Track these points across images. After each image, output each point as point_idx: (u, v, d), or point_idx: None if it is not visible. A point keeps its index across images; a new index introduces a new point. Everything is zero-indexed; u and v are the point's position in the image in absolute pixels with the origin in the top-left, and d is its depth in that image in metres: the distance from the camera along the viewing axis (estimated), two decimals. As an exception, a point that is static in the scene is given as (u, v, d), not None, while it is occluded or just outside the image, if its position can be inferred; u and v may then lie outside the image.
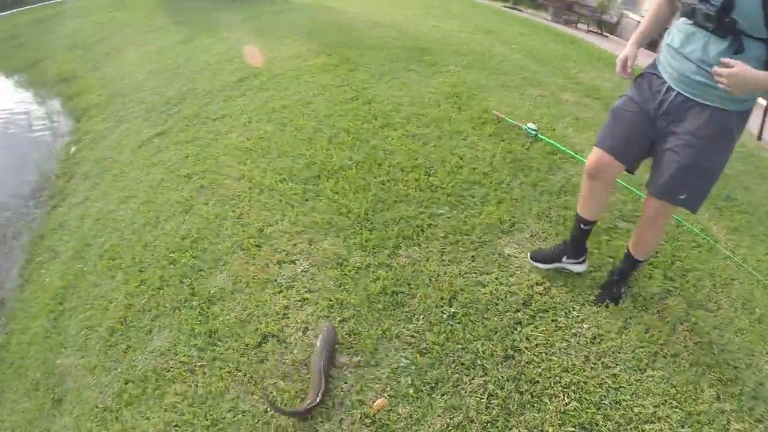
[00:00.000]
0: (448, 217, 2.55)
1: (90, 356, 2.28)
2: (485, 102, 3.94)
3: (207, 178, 3.20)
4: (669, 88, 1.48)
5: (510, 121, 3.55)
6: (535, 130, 3.36)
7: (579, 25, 11.05)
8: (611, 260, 2.26)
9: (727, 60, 1.25)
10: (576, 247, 1.97)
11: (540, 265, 2.08)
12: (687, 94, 1.44)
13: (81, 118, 5.25)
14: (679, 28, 1.43)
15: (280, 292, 2.24)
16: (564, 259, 2.02)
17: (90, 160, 4.18)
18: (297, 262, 2.38)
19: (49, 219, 3.64)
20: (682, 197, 1.50)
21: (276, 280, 2.30)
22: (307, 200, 2.82)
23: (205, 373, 1.96)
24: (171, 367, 2.03)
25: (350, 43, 5.84)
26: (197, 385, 1.92)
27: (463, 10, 9.81)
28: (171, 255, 2.61)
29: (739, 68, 1.22)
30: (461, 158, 3.06)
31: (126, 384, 2.05)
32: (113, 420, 1.94)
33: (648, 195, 1.61)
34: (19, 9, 19.64)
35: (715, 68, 1.27)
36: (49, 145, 5.01)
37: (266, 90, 4.48)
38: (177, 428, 1.80)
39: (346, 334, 1.98)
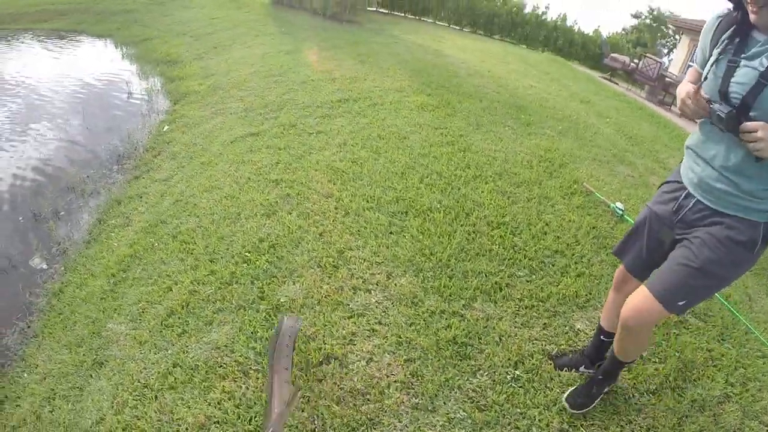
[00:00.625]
0: (527, 281, 2.77)
1: (142, 330, 2.59)
2: (576, 172, 4.29)
3: (295, 189, 3.58)
4: (688, 194, 1.54)
5: (598, 196, 3.88)
6: (622, 210, 3.68)
7: (673, 108, 11.13)
8: (677, 354, 2.42)
9: (752, 124, 1.25)
10: (594, 356, 2.10)
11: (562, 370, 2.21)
12: (707, 202, 1.48)
13: (179, 101, 6.04)
14: (701, 128, 1.50)
15: (351, 317, 2.45)
16: (582, 368, 2.15)
17: (180, 142, 4.77)
18: (372, 292, 2.61)
19: (129, 187, 4.23)
20: (680, 304, 1.50)
21: (348, 304, 2.52)
22: (391, 233, 3.08)
23: (258, 379, 2.16)
24: (224, 364, 2.26)
25: (451, 87, 6.39)
26: (247, 388, 2.12)
27: (560, 73, 10.41)
28: (246, 254, 2.92)
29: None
30: (547, 224, 3.33)
31: (174, 367, 2.30)
32: (152, 398, 2.18)
33: (645, 288, 1.58)
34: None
35: (745, 124, 1.26)
36: (142, 118, 5.81)
37: (364, 116, 4.99)
38: (217, 425, 1.99)
39: (409, 374, 2.13)
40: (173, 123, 5.40)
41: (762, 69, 1.25)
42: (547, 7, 15.72)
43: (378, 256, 2.85)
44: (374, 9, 15.84)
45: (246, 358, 2.26)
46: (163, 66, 7.90)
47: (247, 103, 5.59)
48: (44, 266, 3.54)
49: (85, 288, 3.07)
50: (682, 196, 1.55)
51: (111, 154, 5.02)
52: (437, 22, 16.03)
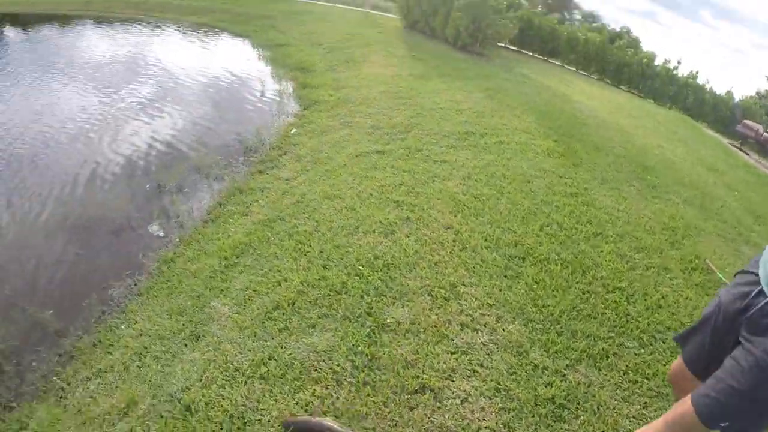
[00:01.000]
0: (635, 353, 2.76)
1: (245, 316, 2.83)
2: (699, 246, 4.25)
3: (416, 213, 3.80)
4: (760, 292, 1.38)
5: (720, 276, 3.77)
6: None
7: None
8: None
9: None
10: None
11: None
12: None
13: (308, 107, 6.65)
14: None
15: (454, 353, 2.54)
16: None
17: (307, 147, 5.23)
18: (479, 332, 2.69)
19: (252, 179, 4.72)
20: (723, 425, 1.34)
21: (453, 339, 2.62)
22: (506, 276, 3.18)
23: (350, 391, 2.30)
24: (320, 369, 2.42)
25: (578, 136, 6.46)
26: (338, 398, 2.26)
27: (688, 135, 10.09)
28: (360, 267, 3.12)
29: None
30: (663, 297, 3.30)
31: (269, 359, 2.50)
32: (242, 383, 2.38)
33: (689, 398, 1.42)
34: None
35: None
36: (272, 117, 6.53)
37: (490, 152, 5.19)
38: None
39: (502, 423, 2.17)
40: (301, 127, 5.94)
41: None
42: (678, 62, 15.10)
43: (490, 297, 2.94)
44: (504, 45, 16.34)
45: (343, 368, 2.41)
46: (296, 72, 8.70)
47: (375, 121, 6.01)
48: (161, 234, 4.03)
49: (196, 263, 3.44)
50: (753, 293, 1.40)
51: (239, 145, 5.65)
52: (565, 66, 16.13)
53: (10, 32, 20.75)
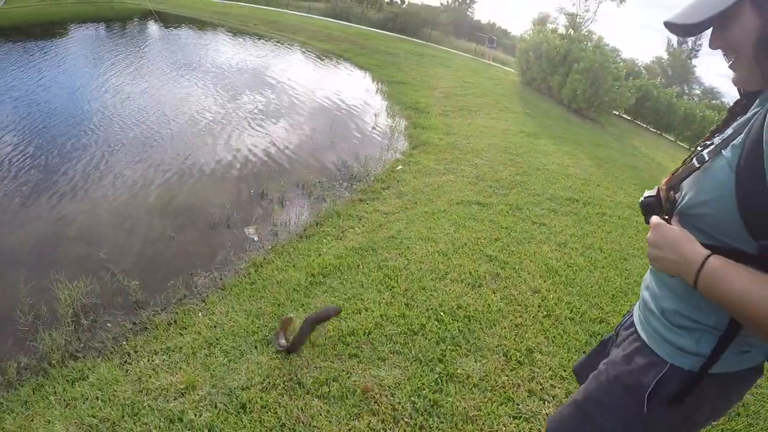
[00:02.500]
0: None
1: (315, 331, 2.91)
2: None
3: (506, 271, 3.84)
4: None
5: None
6: None
7: None
8: None
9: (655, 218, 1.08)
10: None
11: None
12: (635, 319, 1.28)
13: (417, 147, 6.92)
14: None
15: (516, 418, 2.50)
16: None
17: (410, 184, 5.42)
18: (546, 402, 2.61)
19: (351, 206, 4.95)
20: None
21: (519, 405, 2.57)
22: (584, 353, 2.99)
23: (406, 431, 2.30)
24: (380, 402, 2.46)
25: None
26: None
27: None
28: (441, 314, 3.19)
29: (664, 227, 1.03)
30: (743, 406, 3.02)
31: (333, 381, 2.58)
32: (300, 396, 2.47)
33: None
34: (405, 37, 26.80)
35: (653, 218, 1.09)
36: (381, 150, 6.90)
37: (590, 223, 5.17)
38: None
39: None
40: (407, 165, 6.19)
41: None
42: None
43: (564, 370, 2.86)
44: (618, 113, 16.17)
45: (403, 407, 2.43)
46: (410, 111, 9.12)
47: (480, 172, 6.17)
48: (255, 238, 4.32)
49: (283, 273, 3.64)
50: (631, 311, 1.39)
51: (345, 171, 6.01)
52: (678, 142, 15.54)
53: (153, 27, 23.60)
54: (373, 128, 8.05)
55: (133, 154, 6.04)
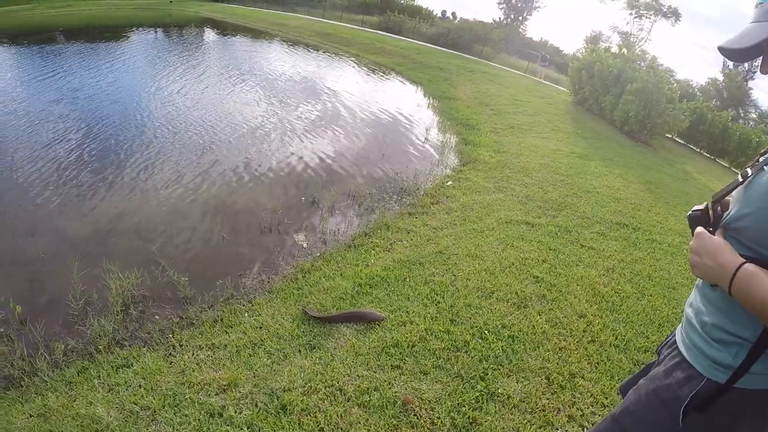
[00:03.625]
0: None
1: (363, 343, 2.99)
2: None
3: (552, 293, 3.80)
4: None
5: None
6: None
7: None
8: None
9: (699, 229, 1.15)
10: None
11: None
12: (677, 337, 1.31)
13: (467, 164, 6.96)
14: None
15: None
16: None
17: (459, 200, 5.45)
18: (586, 429, 2.58)
19: (400, 219, 4.99)
20: None
21: (558, 429, 2.54)
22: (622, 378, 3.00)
23: None
24: (420, 415, 2.48)
25: None
26: None
27: None
28: (486, 332, 3.19)
29: (706, 236, 1.10)
30: None
31: (374, 390, 2.61)
32: (341, 403, 2.51)
33: None
34: (456, 52, 26.89)
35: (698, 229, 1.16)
36: (431, 165, 6.96)
37: (639, 249, 5.02)
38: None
39: None
40: (457, 181, 6.20)
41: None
42: None
43: (606, 398, 2.80)
44: (671, 137, 15.74)
45: (442, 422, 2.44)
46: (461, 127, 9.14)
47: (530, 192, 6.13)
48: (304, 245, 4.41)
49: (330, 281, 3.69)
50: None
51: (395, 184, 6.07)
52: (732, 168, 14.93)
53: (210, 34, 24.55)
54: (424, 142, 8.11)
55: (192, 155, 6.31)
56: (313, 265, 3.94)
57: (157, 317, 3.26)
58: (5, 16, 23.69)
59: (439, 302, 3.43)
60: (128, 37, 20.29)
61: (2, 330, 3.11)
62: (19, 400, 2.52)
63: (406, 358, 2.85)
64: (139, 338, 3.04)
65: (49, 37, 18.03)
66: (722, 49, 1.15)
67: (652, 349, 3.33)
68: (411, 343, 2.97)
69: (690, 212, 1.21)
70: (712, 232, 1.14)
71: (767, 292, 0.94)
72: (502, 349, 3.02)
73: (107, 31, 20.40)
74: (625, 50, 18.76)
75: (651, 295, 4.07)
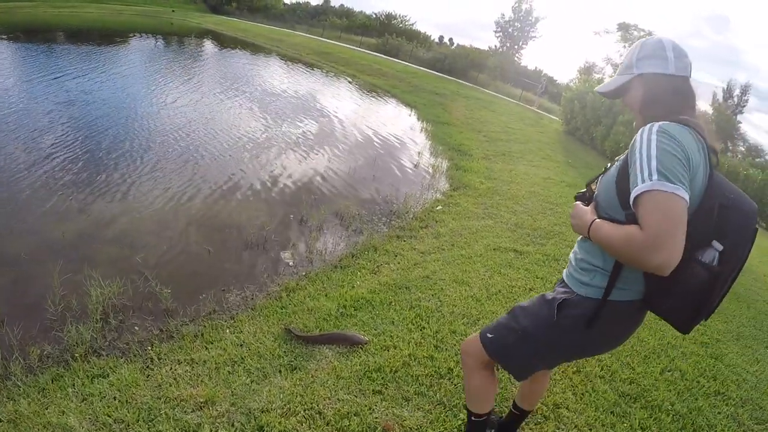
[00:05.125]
0: None
1: (344, 366, 2.93)
2: None
3: None
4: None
5: None
6: None
7: None
8: None
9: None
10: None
11: None
12: (564, 273, 1.88)
13: (457, 189, 7.00)
14: None
15: None
16: None
17: (448, 226, 5.46)
18: None
19: (388, 242, 4.96)
20: (489, 336, 1.91)
21: None
22: (612, 413, 3.01)
23: None
24: None
25: None
26: None
27: None
28: None
29: (578, 206, 1.71)
30: None
31: (354, 415, 2.56)
32: (320, 426, 2.46)
33: None
34: (452, 78, 27.25)
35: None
36: (421, 189, 6.98)
37: None
38: None
39: None
40: (447, 206, 6.21)
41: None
42: None
43: (591, 429, 2.79)
44: None
45: None
46: (453, 152, 9.22)
47: (519, 219, 6.18)
48: (290, 263, 4.37)
49: (315, 301, 3.65)
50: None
51: (384, 206, 6.06)
52: None
53: (209, 46, 24.70)
54: (416, 166, 8.14)
55: (181, 166, 6.28)
56: (298, 284, 3.90)
57: (136, 328, 3.20)
58: (7, 12, 23.70)
59: (424, 327, 3.40)
60: (128, 42, 20.37)
61: None
62: (-11, 404, 2.49)
63: (389, 384, 2.80)
64: (117, 348, 2.97)
65: (50, 36, 18.05)
66: (598, 92, 1.79)
67: (637, 381, 3.33)
68: (394, 368, 2.92)
69: (577, 193, 1.78)
70: (587, 205, 1.69)
71: (605, 234, 1.48)
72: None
73: (108, 35, 20.46)
74: None
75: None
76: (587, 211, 1.63)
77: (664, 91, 1.56)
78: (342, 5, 69.95)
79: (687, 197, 1.31)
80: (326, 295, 3.73)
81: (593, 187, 1.74)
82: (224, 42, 26.96)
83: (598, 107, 14.97)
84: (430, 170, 7.96)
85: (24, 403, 2.44)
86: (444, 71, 32.67)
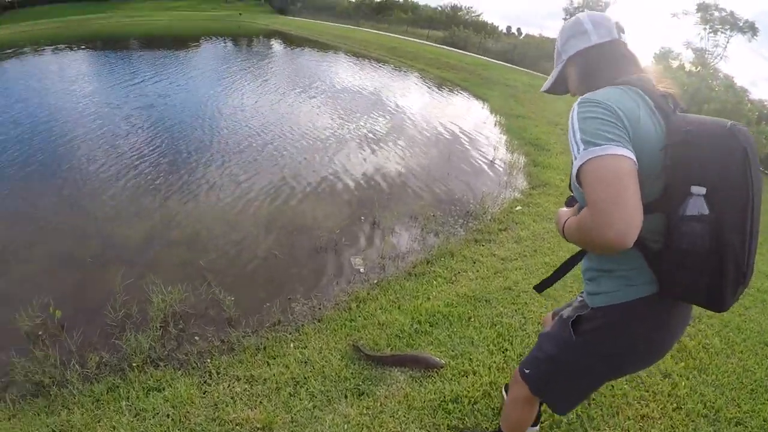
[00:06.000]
0: None
1: (419, 394, 2.62)
2: None
3: None
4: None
5: None
6: None
7: None
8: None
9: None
10: None
11: None
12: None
13: (536, 187, 6.52)
14: None
15: None
16: None
17: (529, 229, 5.04)
18: None
19: (465, 246, 4.54)
20: (526, 371, 1.77)
21: None
22: None
23: None
24: None
25: None
26: None
27: None
28: None
29: (559, 210, 1.59)
30: None
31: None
32: None
33: None
34: (522, 68, 26.46)
35: None
36: (498, 188, 6.47)
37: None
38: None
39: None
40: (526, 206, 5.72)
41: None
42: None
43: None
44: None
45: None
46: (530, 147, 8.63)
47: None
48: (361, 269, 4.05)
49: (387, 314, 3.32)
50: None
51: (460, 206, 5.60)
52: None
53: (277, 46, 25.11)
54: (491, 162, 7.63)
55: (249, 166, 6.18)
56: (369, 294, 3.58)
57: (196, 338, 3.03)
58: (82, 24, 25.15)
59: (506, 350, 2.99)
60: (200, 46, 21.04)
61: (41, 333, 3.01)
62: (44, 410, 2.43)
63: (467, 418, 2.45)
64: (176, 359, 2.81)
65: (125, 44, 18.91)
66: (543, 92, 1.72)
67: (744, 422, 2.80)
68: (473, 399, 2.56)
69: (568, 197, 1.62)
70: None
71: (568, 228, 1.38)
72: (576, 415, 2.56)
73: (181, 40, 21.20)
74: (700, 68, 17.73)
75: (741, 352, 3.48)
76: (565, 212, 1.52)
77: (594, 63, 1.48)
78: (406, -1, 69.75)
79: (624, 152, 1.17)
80: (399, 308, 3.40)
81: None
82: (292, 41, 27.34)
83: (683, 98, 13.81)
84: (507, 167, 7.43)
85: (78, 413, 2.36)
86: (514, 62, 31.62)
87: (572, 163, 1.27)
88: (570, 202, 1.59)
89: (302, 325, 3.17)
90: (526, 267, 4.14)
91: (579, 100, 1.32)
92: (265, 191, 5.43)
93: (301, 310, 3.39)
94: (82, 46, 17.10)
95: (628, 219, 1.12)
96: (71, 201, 4.90)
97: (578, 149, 1.23)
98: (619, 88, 1.32)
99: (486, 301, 3.54)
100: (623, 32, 1.49)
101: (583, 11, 1.69)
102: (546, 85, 1.66)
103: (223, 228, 4.51)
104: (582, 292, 1.68)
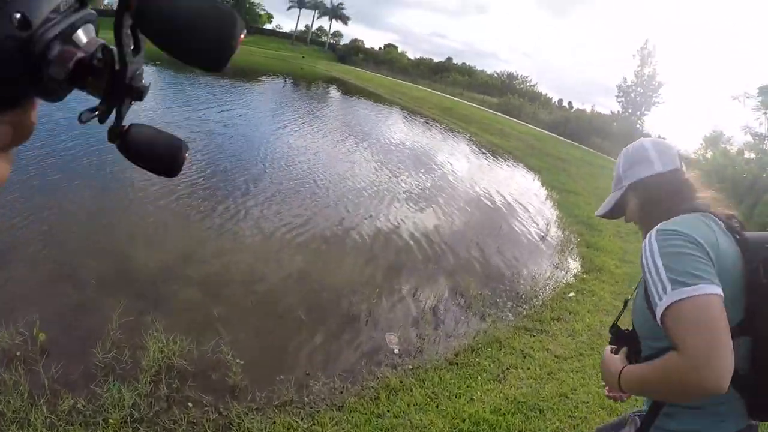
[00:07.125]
0: None
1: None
2: None
3: None
4: None
5: None
6: None
7: None
8: None
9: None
10: None
11: None
12: None
13: (590, 272, 5.99)
14: None
15: None
16: None
17: (584, 321, 4.46)
18: None
19: (515, 335, 3.96)
20: None
21: None
22: None
23: None
24: None
25: None
26: None
27: None
28: None
29: (604, 354, 1.42)
30: None
31: None
32: None
33: None
34: (573, 142, 26.10)
35: None
36: (549, 268, 5.90)
37: None
38: None
39: None
40: (580, 293, 5.14)
41: None
42: None
43: None
44: None
45: None
46: (581, 226, 8.10)
47: None
48: (396, 349, 3.49)
49: (422, 414, 2.75)
50: None
51: (509, 286, 5.05)
52: None
53: (335, 93, 25.57)
54: (542, 239, 7.12)
55: (290, 211, 5.76)
56: (402, 383, 3.02)
57: (190, 404, 2.54)
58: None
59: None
60: (263, 82, 21.53)
61: (18, 354, 2.59)
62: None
63: None
64: (160, 425, 2.35)
65: (188, 70, 19.45)
66: (599, 216, 1.60)
67: None
68: None
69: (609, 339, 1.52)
70: (619, 349, 1.41)
71: (638, 378, 1.24)
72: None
73: (244, 73, 21.74)
74: (759, 154, 17.07)
75: None
76: (615, 359, 1.37)
77: (657, 192, 1.42)
78: (464, 63, 71.18)
79: (716, 290, 1.07)
80: (437, 407, 2.83)
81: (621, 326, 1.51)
82: (349, 90, 27.88)
83: (738, 182, 13.11)
84: (558, 245, 6.90)
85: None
86: (566, 135, 31.35)
87: (653, 301, 1.13)
88: (617, 338, 1.45)
89: (318, 411, 2.65)
90: (583, 369, 3.55)
91: (656, 230, 1.22)
92: (300, 241, 4.98)
93: (319, 390, 2.85)
94: (151, 64, 17.65)
95: (727, 364, 1.03)
96: (93, 209, 4.64)
97: (664, 289, 1.11)
98: (693, 216, 1.27)
99: (539, 410, 2.95)
100: (683, 162, 1.42)
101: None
102: (603, 209, 1.55)
103: (245, 273, 4.07)
104: (636, 413, 1.46)
